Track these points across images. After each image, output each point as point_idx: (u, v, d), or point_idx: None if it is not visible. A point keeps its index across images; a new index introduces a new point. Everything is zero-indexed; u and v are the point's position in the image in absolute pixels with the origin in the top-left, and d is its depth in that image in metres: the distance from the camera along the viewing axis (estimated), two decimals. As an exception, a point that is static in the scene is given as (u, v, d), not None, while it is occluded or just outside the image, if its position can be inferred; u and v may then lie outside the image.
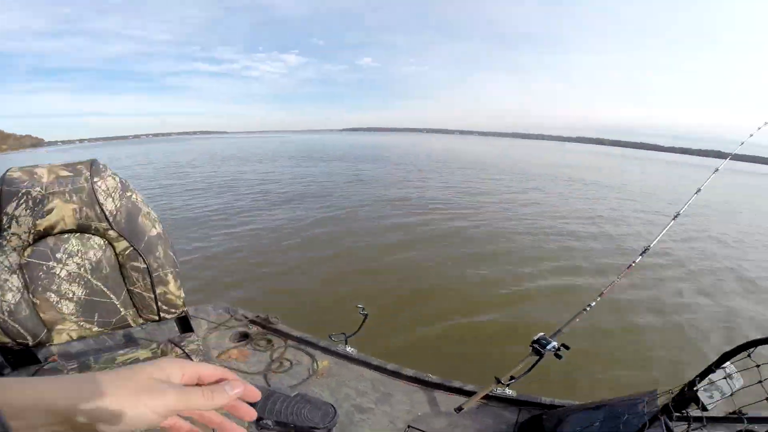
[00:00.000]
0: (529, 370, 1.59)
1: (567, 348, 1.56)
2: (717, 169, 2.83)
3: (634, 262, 2.17)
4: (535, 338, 1.59)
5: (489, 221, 8.15)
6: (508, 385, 1.67)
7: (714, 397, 1.15)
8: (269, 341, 2.04)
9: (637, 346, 3.67)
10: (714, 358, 1.02)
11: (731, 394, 1.12)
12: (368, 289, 4.58)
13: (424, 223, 7.72)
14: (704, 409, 1.14)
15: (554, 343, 1.55)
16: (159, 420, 0.33)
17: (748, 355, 0.98)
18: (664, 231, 2.37)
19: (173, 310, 1.41)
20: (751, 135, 2.96)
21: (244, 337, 2.09)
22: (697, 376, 1.11)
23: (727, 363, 1.23)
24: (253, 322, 2.21)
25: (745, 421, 1.08)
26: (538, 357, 1.55)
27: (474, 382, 1.77)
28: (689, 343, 3.79)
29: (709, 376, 1.17)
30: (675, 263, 5.92)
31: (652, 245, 2.33)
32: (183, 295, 1.42)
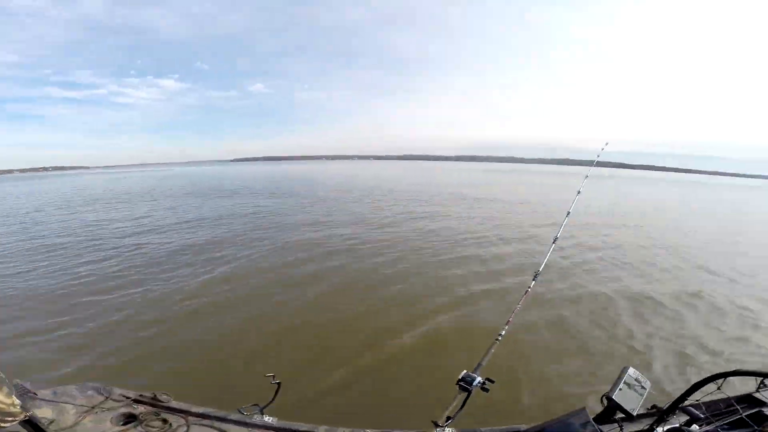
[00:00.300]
0: (462, 407, 1.60)
1: (492, 381, 1.62)
2: (582, 186, 3.30)
3: (529, 287, 2.35)
4: (460, 377, 1.63)
5: (402, 257, 7.77)
6: (446, 426, 1.64)
7: (633, 401, 1.42)
8: (165, 421, 1.68)
9: (557, 364, 3.80)
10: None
11: (645, 396, 1.44)
12: (274, 349, 4.14)
13: (331, 270, 6.79)
14: (628, 413, 1.37)
15: (479, 379, 1.62)
16: None
17: (718, 387, 1.17)
18: (548, 255, 2.59)
19: (9, 419, 1.18)
20: (602, 149, 3.85)
21: (131, 418, 1.68)
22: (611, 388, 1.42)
23: (631, 369, 1.56)
24: (137, 401, 1.81)
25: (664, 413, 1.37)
26: (467, 394, 1.60)
27: (413, 427, 1.74)
28: (594, 355, 4.04)
29: (619, 385, 1.45)
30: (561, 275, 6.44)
31: (541, 269, 2.43)
32: (17, 401, 1.19)
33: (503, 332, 2.00)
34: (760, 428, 1.43)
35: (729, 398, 1.70)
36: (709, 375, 1.26)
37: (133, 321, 4.75)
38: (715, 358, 3.93)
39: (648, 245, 9.02)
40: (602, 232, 10.25)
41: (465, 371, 1.66)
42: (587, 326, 4.61)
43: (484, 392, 1.60)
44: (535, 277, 2.38)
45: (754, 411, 1.62)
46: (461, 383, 1.61)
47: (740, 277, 6.71)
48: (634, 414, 1.41)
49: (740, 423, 1.49)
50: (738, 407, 1.53)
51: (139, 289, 5.79)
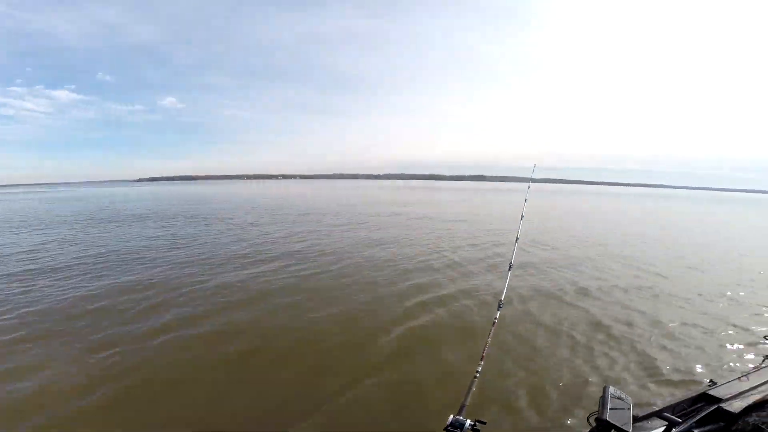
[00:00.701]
0: None
1: (483, 422, 1.55)
2: (523, 211, 3.54)
3: (495, 318, 2.37)
4: (448, 423, 1.54)
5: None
6: None
7: (623, 418, 1.50)
8: None
9: (542, 392, 3.69)
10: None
11: (631, 411, 1.54)
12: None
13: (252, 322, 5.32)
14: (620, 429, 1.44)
15: (468, 422, 1.53)
16: None
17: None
18: (507, 283, 2.70)
19: None
20: (534, 168, 4.24)
21: None
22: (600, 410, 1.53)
23: (611, 388, 1.65)
24: None
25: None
26: None
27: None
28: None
29: (607, 405, 1.54)
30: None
31: (503, 298, 2.50)
32: None
33: (479, 368, 1.98)
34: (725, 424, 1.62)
35: (689, 398, 1.95)
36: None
37: None
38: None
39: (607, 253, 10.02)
40: (544, 250, 10.71)
41: (451, 416, 1.56)
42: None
43: None
44: (499, 306, 2.41)
45: (713, 408, 1.82)
46: (450, 429, 1.52)
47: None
48: (630, 430, 1.45)
49: (706, 420, 1.69)
50: (701, 405, 1.76)
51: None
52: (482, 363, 2.03)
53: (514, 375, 3.92)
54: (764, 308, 6.04)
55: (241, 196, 38.96)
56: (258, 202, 29.89)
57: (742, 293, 6.83)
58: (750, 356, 4.43)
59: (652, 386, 3.77)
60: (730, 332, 5.04)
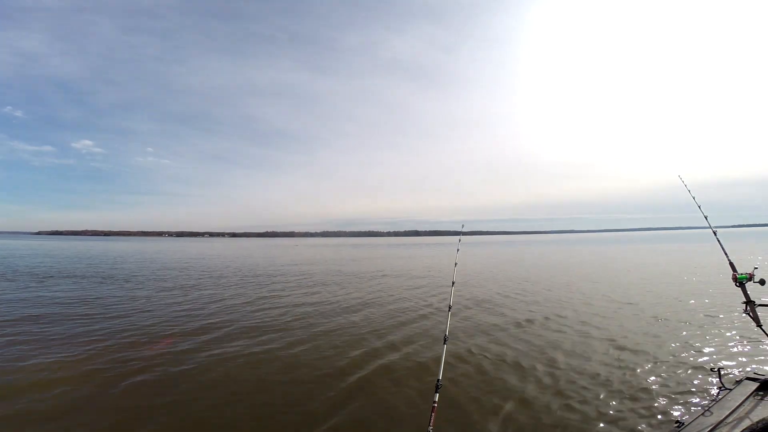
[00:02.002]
0: None
1: None
2: (456, 258, 4.16)
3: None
4: None
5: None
6: None
7: None
8: None
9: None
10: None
11: None
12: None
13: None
14: None
15: None
16: None
17: None
18: (448, 321, 3.10)
19: None
20: (462, 226, 5.07)
21: None
22: None
23: None
24: None
25: None
26: None
27: None
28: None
29: None
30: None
31: (447, 333, 2.86)
32: None
33: (436, 399, 2.14)
34: None
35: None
36: None
37: None
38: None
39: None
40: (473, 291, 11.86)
41: None
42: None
43: None
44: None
45: None
46: None
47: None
48: None
49: None
50: None
51: None
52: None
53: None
54: (693, 339, 6.49)
55: (219, 257, 33.78)
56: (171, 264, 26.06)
57: (674, 327, 7.25)
58: (706, 387, 4.51)
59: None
60: (679, 371, 5.11)
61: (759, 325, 3.32)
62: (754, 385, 3.09)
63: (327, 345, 6.69)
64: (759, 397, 2.87)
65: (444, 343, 2.66)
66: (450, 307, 3.36)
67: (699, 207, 4.67)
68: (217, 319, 8.76)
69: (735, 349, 5.96)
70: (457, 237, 5.31)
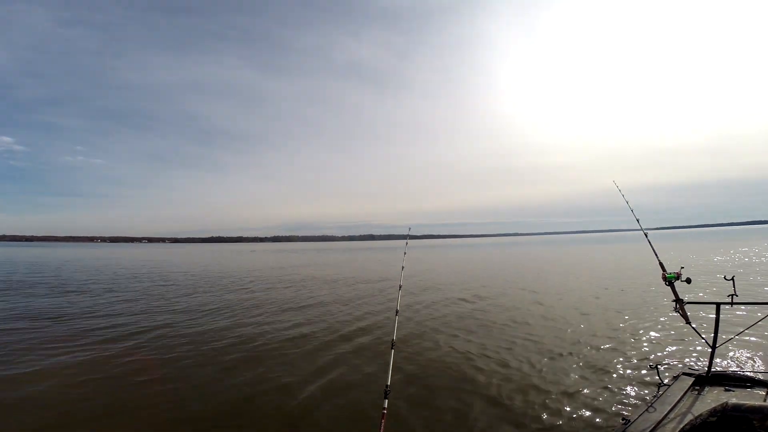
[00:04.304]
0: None
1: None
2: (404, 262, 3.97)
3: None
4: None
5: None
6: None
7: None
8: None
9: None
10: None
11: None
12: None
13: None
14: None
15: None
16: None
17: None
18: (396, 324, 2.94)
19: None
20: (410, 229, 5.06)
21: None
22: None
23: None
24: None
25: None
26: None
27: None
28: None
29: None
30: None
31: (394, 338, 2.70)
32: None
33: (386, 405, 2.08)
34: None
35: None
36: None
37: None
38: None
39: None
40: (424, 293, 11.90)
41: None
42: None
43: None
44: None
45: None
46: None
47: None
48: None
49: None
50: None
51: None
52: (387, 400, 2.15)
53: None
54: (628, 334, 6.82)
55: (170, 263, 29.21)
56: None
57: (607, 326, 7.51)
58: (646, 381, 4.65)
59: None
60: (618, 367, 5.26)
61: (688, 322, 3.50)
62: (690, 380, 3.28)
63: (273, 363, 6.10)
64: (696, 392, 3.05)
65: (392, 348, 2.59)
66: (397, 312, 3.18)
67: (632, 210, 4.94)
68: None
69: (670, 348, 6.18)
70: (404, 240, 5.29)
